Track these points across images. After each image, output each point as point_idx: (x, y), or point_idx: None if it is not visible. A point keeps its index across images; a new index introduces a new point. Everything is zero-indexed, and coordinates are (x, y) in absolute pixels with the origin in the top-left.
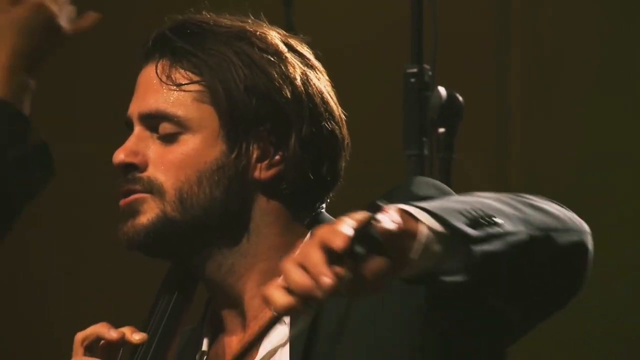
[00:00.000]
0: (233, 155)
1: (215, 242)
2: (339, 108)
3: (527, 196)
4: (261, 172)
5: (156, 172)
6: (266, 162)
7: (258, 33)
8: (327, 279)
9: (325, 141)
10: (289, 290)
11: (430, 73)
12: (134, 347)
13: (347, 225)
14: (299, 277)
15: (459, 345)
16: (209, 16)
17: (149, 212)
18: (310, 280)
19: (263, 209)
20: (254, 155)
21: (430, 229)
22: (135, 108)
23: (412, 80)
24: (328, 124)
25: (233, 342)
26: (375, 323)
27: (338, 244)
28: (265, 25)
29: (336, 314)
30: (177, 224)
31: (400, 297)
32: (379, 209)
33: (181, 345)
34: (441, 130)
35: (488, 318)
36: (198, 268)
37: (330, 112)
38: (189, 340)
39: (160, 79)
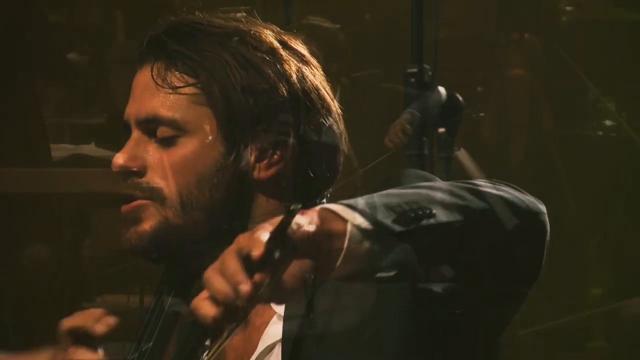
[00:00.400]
0: (232, 157)
1: (217, 243)
2: (336, 103)
3: (478, 182)
4: (260, 172)
5: (155, 177)
6: (265, 162)
7: (252, 32)
8: (244, 287)
9: (323, 137)
10: (214, 300)
11: (430, 73)
12: (130, 346)
13: (264, 231)
14: (220, 286)
15: (449, 336)
16: (202, 16)
17: (151, 219)
18: (231, 289)
19: (263, 208)
20: (253, 156)
21: (357, 227)
22: (132, 112)
23: (412, 80)
24: (325, 120)
25: (234, 339)
26: (364, 317)
27: (254, 251)
28: (259, 22)
29: (326, 308)
30: (179, 228)
31: (388, 294)
32: (297, 212)
33: (180, 343)
34: (441, 130)
35: (468, 307)
36: (199, 269)
37: (327, 108)
38: (188, 338)
39: (156, 83)
